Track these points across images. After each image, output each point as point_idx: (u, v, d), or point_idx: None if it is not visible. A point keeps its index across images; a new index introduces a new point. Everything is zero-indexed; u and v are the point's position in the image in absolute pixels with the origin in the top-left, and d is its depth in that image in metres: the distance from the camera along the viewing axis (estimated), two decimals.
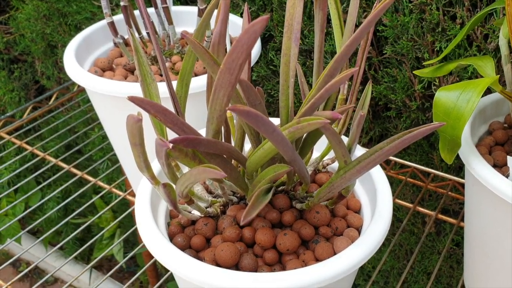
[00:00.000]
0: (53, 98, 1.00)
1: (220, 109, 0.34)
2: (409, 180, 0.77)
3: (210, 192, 0.48)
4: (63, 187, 0.82)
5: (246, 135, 0.43)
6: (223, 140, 0.44)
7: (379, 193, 0.44)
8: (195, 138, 0.33)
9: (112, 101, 0.60)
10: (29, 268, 0.68)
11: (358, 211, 0.47)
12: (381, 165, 0.83)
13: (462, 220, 0.70)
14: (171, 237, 0.44)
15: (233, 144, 0.47)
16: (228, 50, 0.52)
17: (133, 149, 0.33)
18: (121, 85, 0.58)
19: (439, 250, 0.92)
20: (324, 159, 0.50)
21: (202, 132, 0.45)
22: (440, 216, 0.71)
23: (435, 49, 0.68)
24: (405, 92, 0.74)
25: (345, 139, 0.50)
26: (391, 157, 0.78)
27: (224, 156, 0.38)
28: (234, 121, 0.46)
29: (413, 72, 0.56)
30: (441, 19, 0.65)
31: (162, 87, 0.51)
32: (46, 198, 0.82)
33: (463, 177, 0.77)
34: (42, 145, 1.28)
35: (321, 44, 0.39)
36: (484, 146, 0.52)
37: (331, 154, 0.50)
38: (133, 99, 0.30)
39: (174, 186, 0.39)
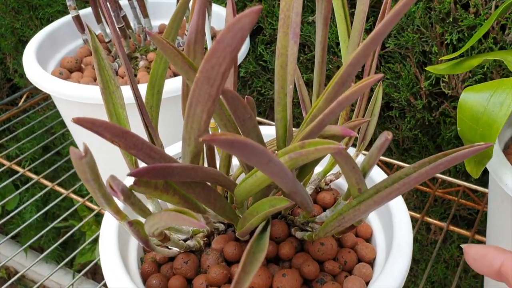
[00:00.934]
0: (22, 100, 0.92)
1: (199, 128, 0.26)
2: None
3: None
4: (40, 194, 0.74)
5: None
6: (205, 161, 0.36)
7: (395, 219, 0.36)
8: (166, 166, 0.25)
9: (79, 107, 0.52)
10: (16, 277, 0.61)
11: (369, 238, 0.39)
12: (382, 169, 0.76)
13: (477, 231, 0.63)
14: (145, 278, 0.36)
15: (218, 163, 0.39)
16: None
17: (87, 186, 0.25)
18: (88, 89, 0.50)
19: (445, 259, 0.85)
20: (327, 175, 0.43)
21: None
22: (452, 227, 0.64)
23: (445, 42, 0.61)
24: (410, 90, 0.67)
25: (351, 151, 0.42)
26: (393, 161, 0.70)
27: (207, 182, 0.31)
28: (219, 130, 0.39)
29: (426, 68, 0.48)
30: (452, 8, 0.58)
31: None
32: (24, 205, 0.74)
33: (473, 182, 0.70)
34: (18, 147, 1.20)
35: (324, 41, 0.31)
36: None
37: (336, 168, 0.42)
38: (80, 122, 0.22)
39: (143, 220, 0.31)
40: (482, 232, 0.79)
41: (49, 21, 1.03)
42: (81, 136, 0.58)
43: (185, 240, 0.38)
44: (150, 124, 0.34)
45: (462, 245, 0.31)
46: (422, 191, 0.73)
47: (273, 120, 0.87)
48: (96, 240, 1.48)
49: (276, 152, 0.26)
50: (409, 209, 0.82)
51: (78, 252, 1.55)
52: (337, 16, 0.36)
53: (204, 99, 0.23)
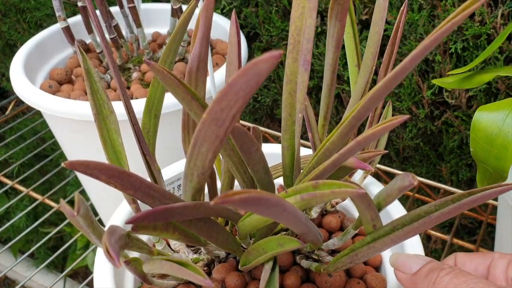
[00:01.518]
0: (10, 107, 0.89)
1: (203, 166, 0.24)
2: (416, 196, 0.68)
3: (191, 245, 0.38)
4: (30, 208, 0.72)
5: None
6: (205, 190, 0.34)
7: (408, 248, 0.34)
8: (166, 209, 0.23)
9: (71, 124, 0.49)
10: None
11: (378, 266, 0.37)
12: (384, 180, 0.74)
13: (481, 245, 0.62)
14: None
15: (219, 187, 0.37)
16: (210, 65, 0.42)
17: (80, 230, 0.23)
18: (79, 105, 0.47)
19: None
20: None
21: (183, 163, 0.36)
22: (455, 240, 0.62)
23: (449, 51, 0.59)
24: (412, 99, 0.65)
25: (359, 172, 0.40)
26: (394, 170, 0.68)
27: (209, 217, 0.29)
28: (222, 160, 0.37)
29: (433, 81, 0.46)
30: None
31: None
32: (14, 220, 0.72)
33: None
34: (9, 155, 1.17)
35: (335, 63, 0.29)
36: None
37: None
38: (73, 166, 0.20)
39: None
40: (484, 241, 0.77)
41: (37, 25, 1.00)
42: (73, 152, 0.56)
43: None
44: (147, 152, 0.32)
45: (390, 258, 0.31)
46: (424, 200, 0.72)
47: (269, 127, 0.85)
48: (87, 247, 1.46)
49: (286, 190, 0.24)
50: None
51: (69, 258, 1.53)
52: (345, 34, 0.34)
53: (211, 139, 0.21)
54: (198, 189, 0.26)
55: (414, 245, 0.34)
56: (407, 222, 0.26)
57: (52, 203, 0.70)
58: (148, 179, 0.33)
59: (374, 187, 0.39)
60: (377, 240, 0.27)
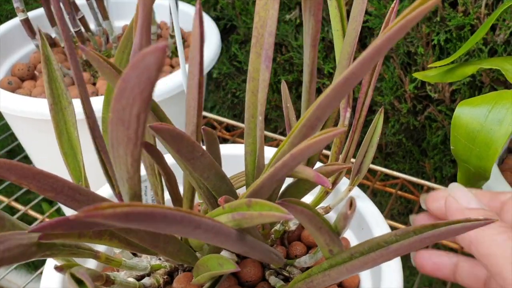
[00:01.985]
0: None
1: (127, 171, 0.21)
2: (399, 193, 0.66)
3: None
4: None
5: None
6: (163, 197, 0.32)
7: (384, 266, 0.32)
8: (87, 217, 0.20)
9: (32, 124, 0.46)
10: None
11: None
12: (366, 177, 0.72)
13: None
14: None
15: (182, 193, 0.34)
16: (181, 58, 0.39)
17: None
18: (40, 103, 0.44)
19: None
20: (316, 208, 0.38)
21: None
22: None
23: (431, 43, 0.56)
24: (394, 93, 0.62)
25: (345, 183, 0.37)
26: (376, 167, 0.66)
27: None
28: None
29: (414, 75, 0.44)
30: (440, 6, 0.53)
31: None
32: None
33: None
34: None
35: (313, 63, 0.26)
36: (510, 172, 0.40)
37: (327, 201, 0.37)
38: None
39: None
40: None
41: (8, 18, 0.97)
42: (36, 155, 0.53)
43: (141, 278, 0.33)
44: (103, 149, 0.29)
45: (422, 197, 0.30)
46: (407, 198, 0.70)
47: None
48: None
49: (223, 205, 0.22)
50: (394, 215, 0.78)
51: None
52: (334, 31, 0.31)
53: (124, 141, 0.19)
54: (133, 195, 0.24)
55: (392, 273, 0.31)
56: (365, 251, 0.23)
57: (19, 206, 0.67)
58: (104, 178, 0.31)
59: (360, 202, 0.37)
60: (334, 267, 0.25)
